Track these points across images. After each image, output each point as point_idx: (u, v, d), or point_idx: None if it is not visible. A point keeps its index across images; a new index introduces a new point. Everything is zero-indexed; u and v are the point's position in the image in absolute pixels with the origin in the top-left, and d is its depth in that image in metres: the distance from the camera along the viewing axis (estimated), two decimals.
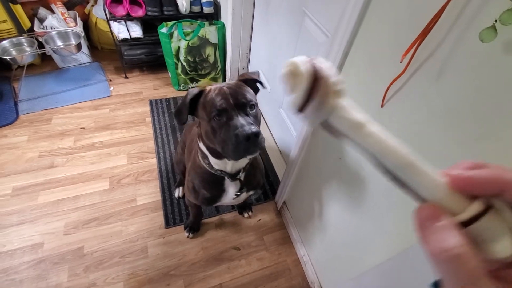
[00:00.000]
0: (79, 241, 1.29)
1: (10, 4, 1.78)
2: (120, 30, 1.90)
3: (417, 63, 0.54)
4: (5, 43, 1.77)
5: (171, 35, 1.81)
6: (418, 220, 0.19)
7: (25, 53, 1.77)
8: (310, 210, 1.15)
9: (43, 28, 1.88)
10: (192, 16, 1.93)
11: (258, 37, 1.74)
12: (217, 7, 1.96)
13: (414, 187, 0.20)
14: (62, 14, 1.92)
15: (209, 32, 1.88)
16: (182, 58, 1.92)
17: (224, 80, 2.19)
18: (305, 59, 0.24)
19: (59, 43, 1.91)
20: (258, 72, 0.86)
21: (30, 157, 1.58)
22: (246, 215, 1.44)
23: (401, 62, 0.54)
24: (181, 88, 2.09)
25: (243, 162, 0.86)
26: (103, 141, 1.71)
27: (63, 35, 1.90)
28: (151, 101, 1.99)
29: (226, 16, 1.79)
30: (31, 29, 1.90)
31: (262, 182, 1.06)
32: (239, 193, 0.94)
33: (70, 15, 1.96)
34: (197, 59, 1.96)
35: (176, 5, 1.89)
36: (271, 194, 1.55)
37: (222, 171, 0.85)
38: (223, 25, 1.91)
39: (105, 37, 2.15)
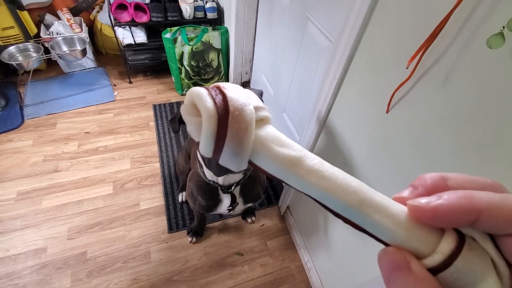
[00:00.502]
0: (82, 245, 1.29)
1: (18, 11, 1.81)
2: (125, 36, 1.92)
3: (423, 68, 0.53)
4: (12, 48, 1.80)
5: (175, 40, 1.82)
6: (383, 271, 0.16)
7: (31, 58, 1.79)
8: (314, 215, 1.14)
9: (49, 34, 1.90)
10: (196, 21, 1.95)
11: (261, 42, 1.75)
12: (220, 12, 1.98)
13: (371, 230, 0.16)
14: (68, 20, 1.94)
15: (213, 37, 1.89)
16: (185, 63, 1.93)
17: None
18: (204, 91, 0.18)
19: (65, 48, 1.93)
20: (261, 92, 0.84)
21: (35, 161, 1.59)
22: (249, 220, 1.43)
23: (407, 68, 0.54)
24: (184, 92, 2.10)
25: (236, 176, 0.84)
26: (107, 146, 1.72)
27: (69, 41, 1.93)
28: (154, 106, 2.00)
29: (230, 22, 1.81)
30: (37, 35, 1.93)
31: (263, 194, 1.04)
32: (231, 207, 0.93)
33: (76, 21, 1.99)
34: (200, 64, 1.98)
35: (180, 11, 1.91)
36: (275, 199, 1.54)
37: (214, 182, 0.85)
38: (227, 30, 1.92)
39: (110, 43, 2.18)
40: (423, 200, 0.15)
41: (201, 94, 0.18)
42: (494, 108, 0.44)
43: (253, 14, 1.68)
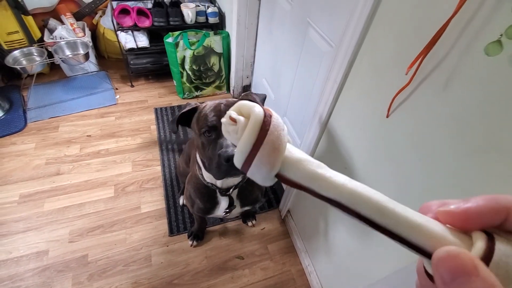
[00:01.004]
0: (83, 248, 1.29)
1: (22, 16, 1.84)
2: (127, 40, 1.94)
3: (423, 74, 0.54)
4: (16, 53, 1.82)
5: (176, 45, 1.84)
6: (442, 275, 0.14)
7: (35, 62, 1.81)
8: (315, 219, 1.14)
9: (52, 38, 1.92)
10: (198, 26, 1.97)
11: (262, 46, 1.76)
12: (222, 17, 2.00)
13: (406, 236, 0.17)
14: (71, 24, 1.97)
15: (214, 41, 1.91)
16: (187, 67, 1.95)
17: (228, 88, 2.21)
18: (255, 104, 0.20)
19: (68, 52, 1.95)
20: (265, 96, 0.84)
21: (37, 164, 1.60)
22: (250, 223, 1.43)
23: (406, 74, 0.54)
24: (185, 96, 2.11)
25: (234, 180, 0.85)
26: (109, 149, 1.72)
27: (72, 45, 1.95)
28: (156, 109, 2.01)
29: (231, 26, 1.83)
30: (41, 40, 1.95)
31: (262, 198, 1.04)
32: (228, 210, 0.93)
33: (79, 25, 2.01)
34: (202, 68, 1.99)
35: (182, 16, 1.93)
36: (275, 202, 1.54)
37: (213, 184, 0.85)
38: (228, 35, 1.94)
39: (112, 47, 2.20)
40: (452, 206, 0.16)
41: (254, 104, 0.20)
42: (493, 112, 0.44)
43: (254, 19, 1.70)
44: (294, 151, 0.20)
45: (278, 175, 0.20)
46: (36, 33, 1.96)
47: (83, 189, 1.51)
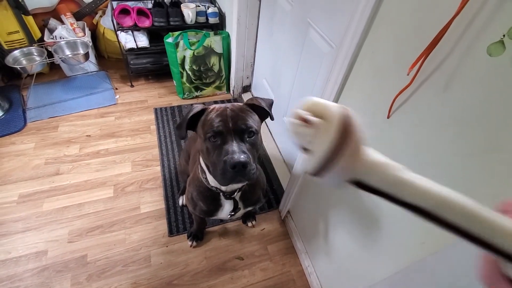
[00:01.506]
0: (82, 249, 1.29)
1: (23, 16, 1.83)
2: (127, 40, 1.94)
3: (424, 75, 0.54)
4: (16, 52, 1.82)
5: (177, 45, 1.84)
6: None
7: (35, 62, 1.81)
8: (315, 219, 1.14)
9: (52, 38, 1.92)
10: (198, 26, 1.97)
11: (262, 47, 1.76)
12: (222, 17, 2.00)
13: (493, 240, 0.16)
14: (71, 24, 1.96)
15: (214, 41, 1.91)
16: (187, 67, 1.95)
17: (228, 88, 2.21)
18: (333, 103, 0.17)
19: (68, 52, 1.95)
20: (272, 101, 0.81)
21: (37, 164, 1.60)
22: (249, 224, 1.43)
23: (407, 75, 0.54)
24: (185, 96, 2.11)
25: (239, 184, 0.84)
26: (108, 149, 1.72)
27: (72, 45, 1.95)
28: (156, 109, 2.01)
29: (231, 26, 1.82)
30: (41, 39, 1.95)
31: (263, 198, 1.04)
32: (233, 213, 0.93)
33: (79, 25, 2.01)
34: (202, 68, 1.99)
35: (182, 16, 1.92)
36: (275, 203, 1.54)
37: (217, 188, 0.85)
38: (228, 35, 1.94)
39: (112, 47, 2.20)
40: None
41: (328, 103, 0.17)
42: (494, 113, 0.44)
43: (254, 19, 1.70)
44: (372, 154, 0.18)
45: (355, 181, 0.18)
46: (36, 33, 1.96)
47: (82, 189, 1.51)
